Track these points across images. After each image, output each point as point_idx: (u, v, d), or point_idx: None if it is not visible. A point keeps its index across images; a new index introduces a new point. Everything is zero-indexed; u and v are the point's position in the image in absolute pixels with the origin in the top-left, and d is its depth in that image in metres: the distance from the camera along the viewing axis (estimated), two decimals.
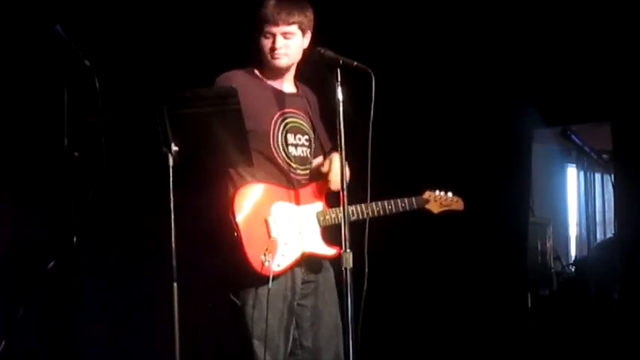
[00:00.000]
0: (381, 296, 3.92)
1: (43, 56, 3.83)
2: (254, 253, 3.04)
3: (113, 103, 2.83)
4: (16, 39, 4.01)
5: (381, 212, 3.33)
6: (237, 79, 3.18)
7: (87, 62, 2.89)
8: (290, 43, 3.22)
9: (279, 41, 3.20)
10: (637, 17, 4.47)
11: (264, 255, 3.04)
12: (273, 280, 3.06)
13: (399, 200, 3.41)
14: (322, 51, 3.11)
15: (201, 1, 4.52)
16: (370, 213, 3.27)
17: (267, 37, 3.22)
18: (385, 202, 3.34)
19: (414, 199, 3.48)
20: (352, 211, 3.18)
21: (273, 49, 3.21)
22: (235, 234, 3.04)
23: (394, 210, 3.38)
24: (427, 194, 3.57)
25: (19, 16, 4.01)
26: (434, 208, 3.58)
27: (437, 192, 3.59)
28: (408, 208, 3.44)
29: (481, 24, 4.82)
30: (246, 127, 3.01)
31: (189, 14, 4.49)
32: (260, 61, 3.28)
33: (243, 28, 3.41)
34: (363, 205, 3.23)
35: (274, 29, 3.20)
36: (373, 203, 3.28)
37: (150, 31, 4.38)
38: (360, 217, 3.23)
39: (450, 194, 3.62)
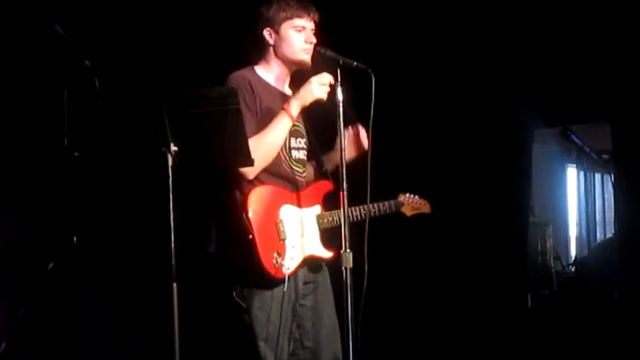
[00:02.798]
0: (381, 296, 3.92)
1: (43, 56, 3.83)
2: (267, 256, 3.02)
3: (113, 103, 2.83)
4: (16, 39, 4.01)
5: (370, 215, 3.26)
6: (249, 79, 3.14)
7: (87, 62, 2.89)
8: (314, 40, 3.19)
9: (312, 36, 3.18)
10: (637, 17, 4.47)
11: (275, 258, 3.03)
12: (280, 284, 3.04)
13: (380, 204, 3.39)
14: (322, 51, 3.11)
15: (201, 1, 4.52)
16: (359, 216, 3.24)
17: (298, 31, 3.17)
18: (371, 205, 3.30)
19: (393, 203, 3.48)
20: (340, 215, 3.08)
21: (310, 42, 3.15)
22: (250, 237, 3.00)
23: (377, 213, 3.37)
24: (402, 197, 3.56)
25: (19, 16, 4.01)
26: (407, 211, 3.58)
27: (408, 195, 3.58)
28: (388, 211, 3.44)
29: (481, 25, 4.82)
30: (260, 129, 3.03)
31: (188, 14, 4.49)
32: (264, 59, 3.23)
33: (242, 28, 3.40)
34: (351, 208, 3.19)
35: (307, 23, 3.16)
36: (363, 206, 3.23)
37: (150, 32, 4.38)
38: (351, 220, 3.18)
39: (416, 197, 3.62)
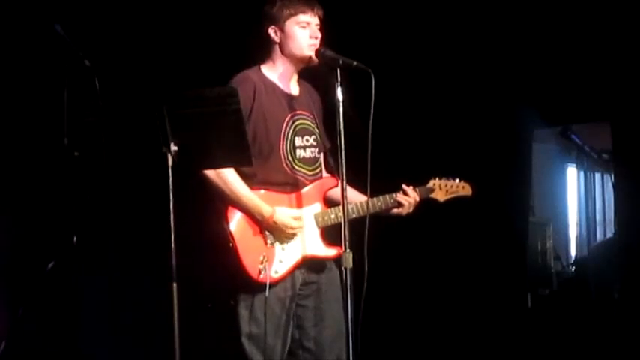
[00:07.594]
0: (382, 296, 3.92)
1: (43, 56, 3.83)
2: (251, 263, 3.04)
3: (113, 103, 2.83)
4: (16, 39, 4.01)
5: (382, 207, 3.29)
6: (252, 80, 3.14)
7: (87, 62, 2.89)
8: (319, 35, 3.18)
9: (317, 31, 3.17)
10: (637, 17, 4.47)
11: (262, 263, 3.04)
12: (271, 286, 3.06)
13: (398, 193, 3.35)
14: (322, 51, 3.11)
15: (201, 1, 4.52)
16: (371, 209, 3.22)
17: (303, 27, 3.15)
18: (387, 196, 3.29)
19: (417, 190, 3.39)
20: (352, 208, 3.13)
21: (315, 37, 3.14)
22: (230, 245, 3.04)
23: (392, 204, 3.33)
24: (432, 183, 3.48)
25: (19, 16, 4.01)
26: (439, 196, 3.48)
27: (442, 180, 3.50)
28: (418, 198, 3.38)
29: (481, 24, 4.82)
30: (258, 131, 3.06)
31: (188, 14, 4.49)
32: (270, 58, 3.22)
33: (242, 28, 3.40)
34: (363, 201, 3.18)
35: (312, 18, 3.16)
36: (374, 198, 3.24)
37: (150, 32, 4.38)
38: (362, 213, 3.16)
39: (457, 180, 3.53)
